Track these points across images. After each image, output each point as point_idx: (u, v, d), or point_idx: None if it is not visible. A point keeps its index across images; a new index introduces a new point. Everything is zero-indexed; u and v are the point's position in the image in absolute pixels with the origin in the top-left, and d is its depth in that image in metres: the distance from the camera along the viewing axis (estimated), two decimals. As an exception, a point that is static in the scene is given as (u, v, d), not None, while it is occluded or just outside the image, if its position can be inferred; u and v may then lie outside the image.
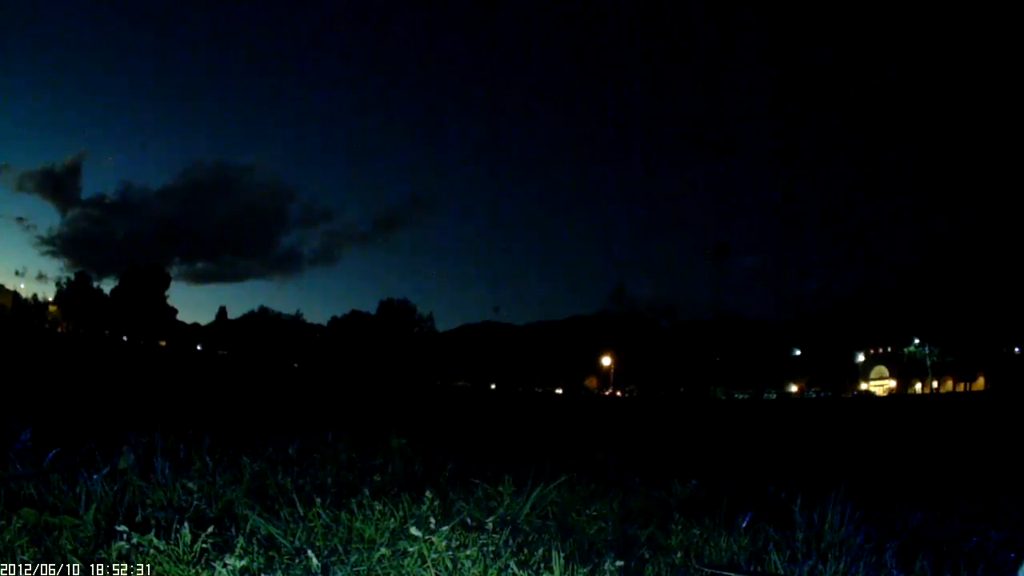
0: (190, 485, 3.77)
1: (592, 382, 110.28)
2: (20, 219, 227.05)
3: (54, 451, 3.81)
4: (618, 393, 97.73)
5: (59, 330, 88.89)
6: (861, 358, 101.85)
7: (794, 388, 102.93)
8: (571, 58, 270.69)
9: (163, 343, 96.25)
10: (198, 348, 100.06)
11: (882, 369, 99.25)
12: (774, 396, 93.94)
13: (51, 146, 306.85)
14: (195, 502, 3.56)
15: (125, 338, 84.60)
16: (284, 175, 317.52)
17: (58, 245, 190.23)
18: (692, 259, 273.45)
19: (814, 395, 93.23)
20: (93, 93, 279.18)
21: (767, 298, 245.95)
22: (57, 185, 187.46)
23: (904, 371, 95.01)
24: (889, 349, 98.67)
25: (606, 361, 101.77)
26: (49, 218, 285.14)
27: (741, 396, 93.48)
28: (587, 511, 5.23)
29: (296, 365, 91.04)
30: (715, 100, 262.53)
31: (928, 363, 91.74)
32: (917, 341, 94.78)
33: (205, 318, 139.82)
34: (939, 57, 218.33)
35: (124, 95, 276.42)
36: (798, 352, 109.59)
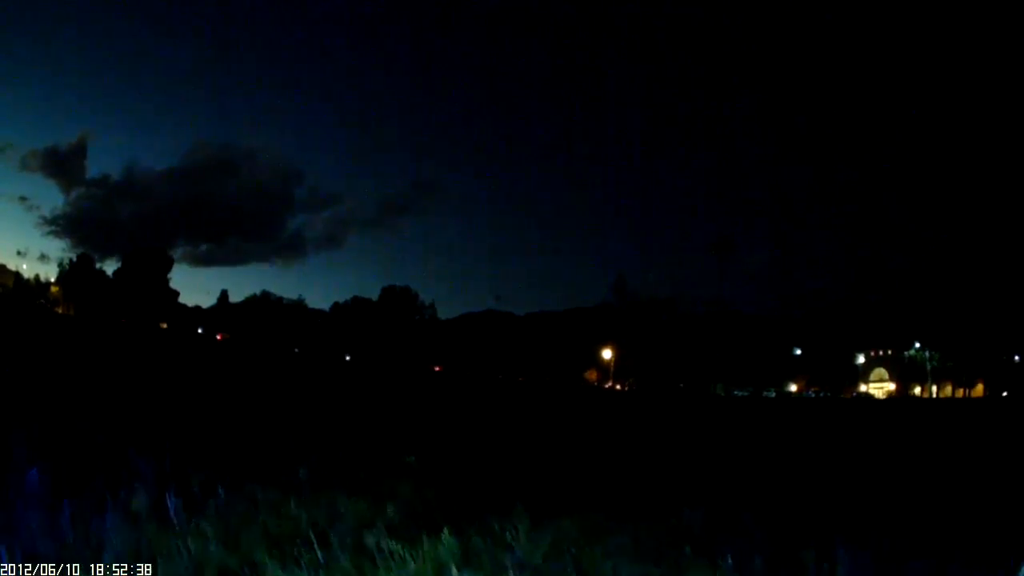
0: (205, 528, 3.70)
1: (592, 375, 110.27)
2: (23, 199, 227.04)
3: (66, 501, 3.71)
4: (617, 387, 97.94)
5: (59, 311, 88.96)
6: (861, 359, 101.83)
7: (793, 387, 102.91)
8: (575, 49, 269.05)
9: (164, 325, 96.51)
10: (199, 331, 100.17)
11: (882, 371, 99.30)
12: (773, 395, 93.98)
13: (55, 125, 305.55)
14: (212, 548, 3.48)
15: (125, 320, 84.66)
16: (290, 158, 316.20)
17: (61, 225, 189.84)
18: (694, 253, 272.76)
19: (813, 395, 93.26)
20: (98, 72, 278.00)
21: (769, 294, 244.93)
22: (61, 165, 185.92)
23: (904, 374, 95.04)
24: (889, 352, 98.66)
25: (607, 354, 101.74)
26: (52, 198, 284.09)
27: (741, 393, 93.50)
28: (600, 547, 5.19)
29: (297, 350, 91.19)
30: (719, 94, 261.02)
31: (928, 367, 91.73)
32: (918, 345, 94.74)
33: (207, 301, 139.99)
34: (941, 58, 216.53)
35: (129, 75, 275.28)
36: (798, 351, 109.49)
